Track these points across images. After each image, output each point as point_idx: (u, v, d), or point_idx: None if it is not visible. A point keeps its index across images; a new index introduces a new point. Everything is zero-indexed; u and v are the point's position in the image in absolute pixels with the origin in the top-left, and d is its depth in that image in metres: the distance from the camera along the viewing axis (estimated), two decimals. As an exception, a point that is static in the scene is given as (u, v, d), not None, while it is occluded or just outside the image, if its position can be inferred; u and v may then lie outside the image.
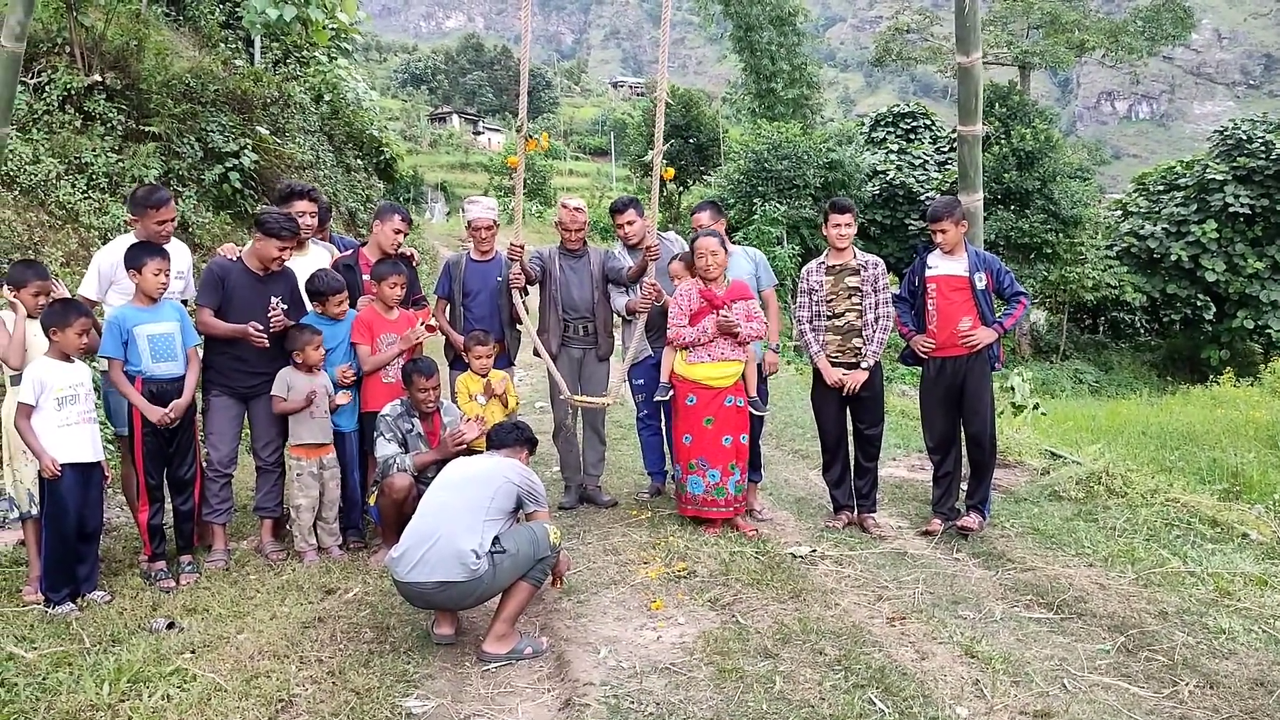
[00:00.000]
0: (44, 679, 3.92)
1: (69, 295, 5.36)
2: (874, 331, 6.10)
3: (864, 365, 6.09)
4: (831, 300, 6.15)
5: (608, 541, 5.88)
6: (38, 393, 4.75)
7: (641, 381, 6.79)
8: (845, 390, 6.09)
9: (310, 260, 6.14)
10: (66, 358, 4.89)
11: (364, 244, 6.51)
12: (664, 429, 6.88)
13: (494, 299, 6.53)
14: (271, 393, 5.56)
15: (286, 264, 5.77)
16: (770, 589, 5.01)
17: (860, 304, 6.11)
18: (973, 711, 3.71)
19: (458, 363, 6.48)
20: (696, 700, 3.78)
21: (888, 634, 4.47)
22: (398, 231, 6.25)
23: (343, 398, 5.69)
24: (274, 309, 5.59)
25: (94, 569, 5.03)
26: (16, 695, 3.76)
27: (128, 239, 5.55)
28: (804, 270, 6.41)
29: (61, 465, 4.74)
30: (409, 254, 6.46)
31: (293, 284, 5.81)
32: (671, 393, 6.12)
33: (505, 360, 6.57)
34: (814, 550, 5.71)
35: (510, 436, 4.91)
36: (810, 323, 6.23)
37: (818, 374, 6.27)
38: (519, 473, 4.53)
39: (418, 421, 5.57)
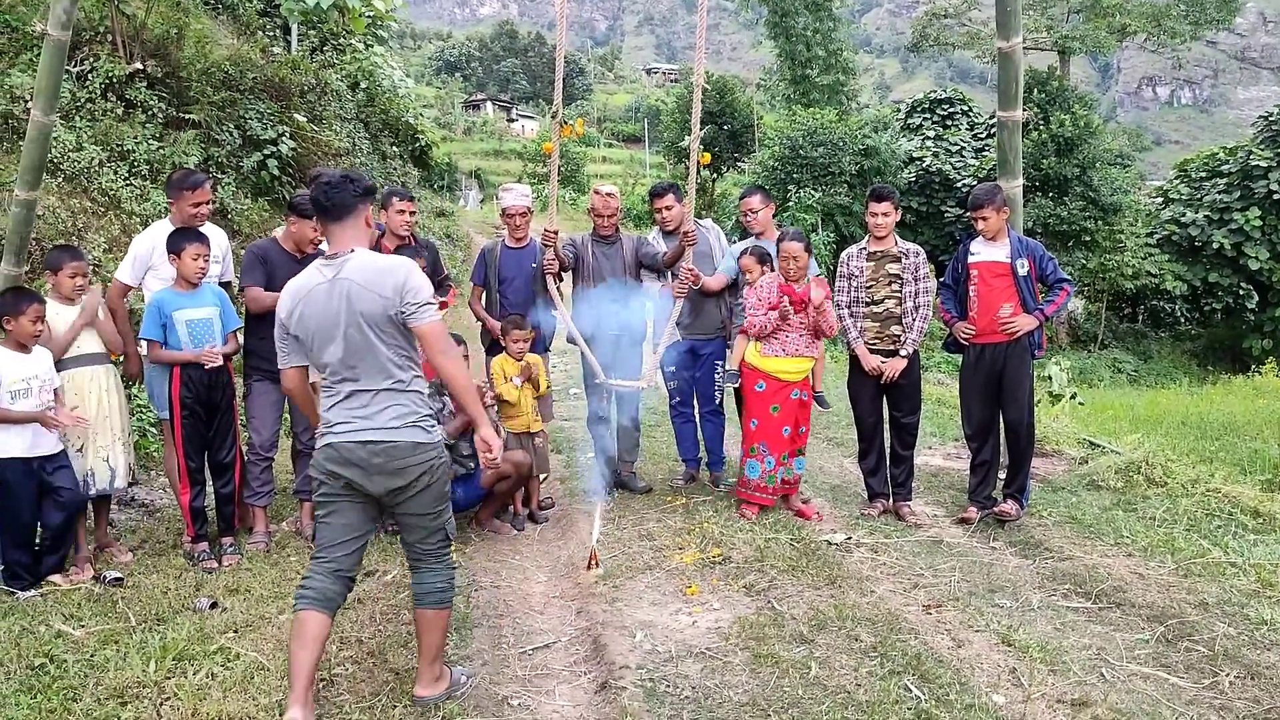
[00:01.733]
0: (92, 656, 4.01)
1: (103, 280, 5.45)
2: (914, 320, 6.08)
3: (903, 353, 6.07)
4: (871, 287, 6.14)
5: (643, 527, 5.90)
6: None
7: (674, 369, 6.80)
8: (883, 378, 6.08)
9: None
10: (22, 348, 4.91)
11: (382, 235, 6.49)
12: (694, 417, 6.95)
13: (529, 285, 6.56)
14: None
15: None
16: (805, 575, 5.01)
17: (900, 291, 6.10)
18: (1010, 699, 3.70)
19: (494, 348, 6.52)
20: (732, 685, 3.80)
21: (924, 621, 4.46)
22: (400, 213, 6.25)
23: None
24: None
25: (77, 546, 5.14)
26: (66, 671, 3.85)
27: (163, 225, 5.64)
28: (844, 255, 6.39)
29: (5, 458, 4.80)
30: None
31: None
32: (739, 380, 6.22)
33: (541, 346, 6.61)
34: (849, 538, 5.70)
35: (345, 194, 3.57)
36: (848, 308, 6.21)
37: (854, 361, 6.25)
38: (394, 289, 3.46)
39: (448, 400, 5.65)
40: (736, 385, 6.27)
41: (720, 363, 6.82)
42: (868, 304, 6.15)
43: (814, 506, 6.27)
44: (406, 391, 3.55)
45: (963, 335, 6.09)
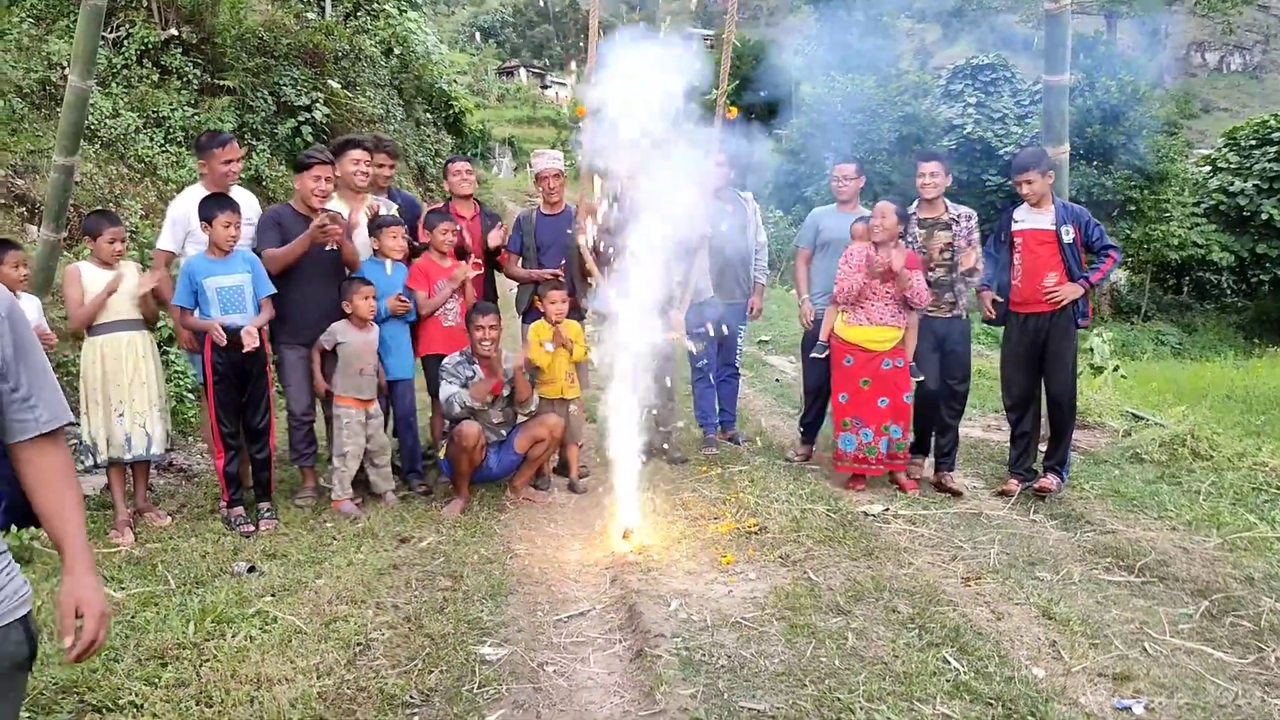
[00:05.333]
0: (132, 617, 4.04)
1: (140, 246, 5.48)
2: (965, 287, 6.07)
3: (960, 306, 6.10)
4: (924, 254, 6.04)
5: (678, 497, 5.87)
6: None
7: (703, 329, 6.79)
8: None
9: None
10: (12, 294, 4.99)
11: (450, 199, 6.69)
12: (714, 382, 7.10)
13: (565, 251, 6.53)
14: (320, 339, 5.67)
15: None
16: (842, 546, 4.96)
17: (952, 259, 6.02)
18: (1050, 672, 3.65)
19: (529, 315, 6.51)
20: (768, 654, 3.77)
21: (962, 593, 4.41)
22: (456, 173, 6.52)
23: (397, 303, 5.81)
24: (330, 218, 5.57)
25: None
26: (107, 633, 3.88)
27: (197, 189, 5.68)
28: None
29: None
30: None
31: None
32: (827, 352, 6.21)
33: (577, 314, 6.58)
34: (887, 509, 5.65)
35: None
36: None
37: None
38: None
39: (478, 369, 5.69)
40: (825, 356, 6.22)
41: (743, 327, 7.16)
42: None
43: (912, 481, 6.19)
44: None
45: (986, 306, 6.04)
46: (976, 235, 6.07)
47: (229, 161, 5.57)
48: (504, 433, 5.89)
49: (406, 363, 6.08)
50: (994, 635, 3.94)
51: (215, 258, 5.28)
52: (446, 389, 5.63)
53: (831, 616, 4.12)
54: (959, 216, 6.08)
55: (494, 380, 5.66)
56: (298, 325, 5.71)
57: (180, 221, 5.59)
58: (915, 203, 6.22)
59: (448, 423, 5.76)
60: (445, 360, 5.78)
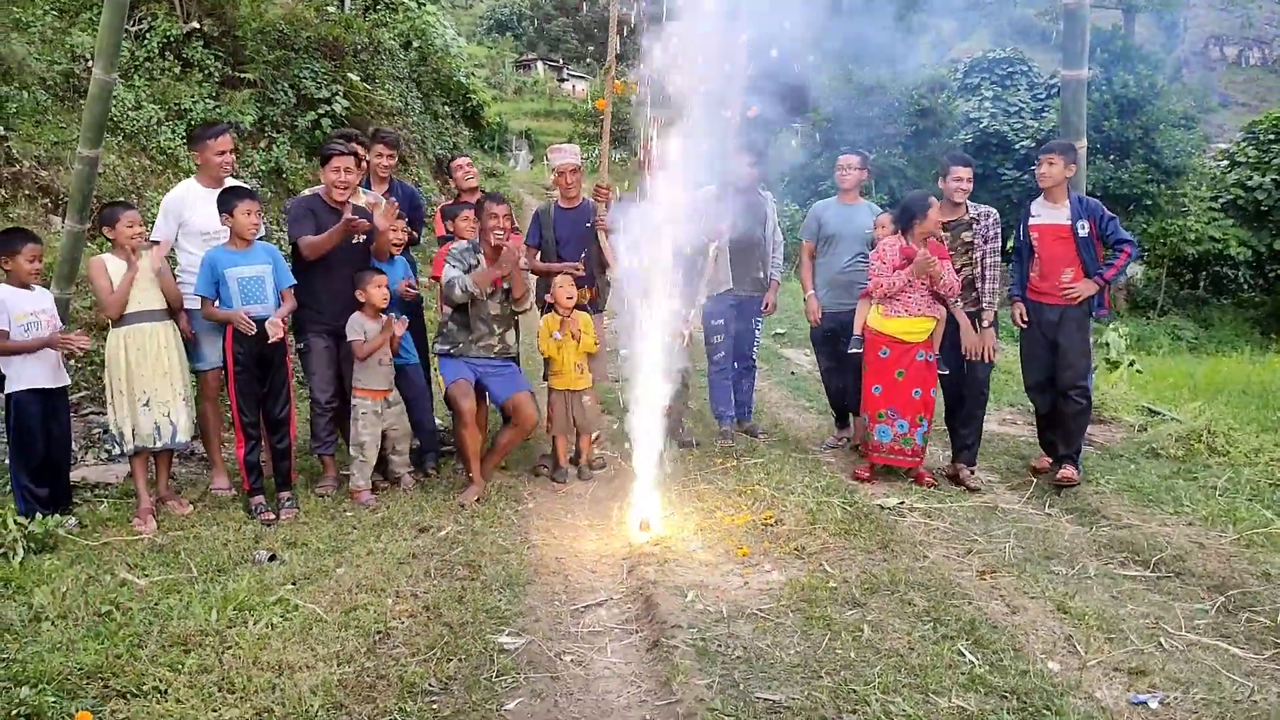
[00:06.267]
0: (156, 604, 4.10)
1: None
2: (985, 283, 6.06)
3: (985, 324, 6.07)
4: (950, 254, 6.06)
5: (694, 488, 5.90)
6: (2, 318, 4.97)
7: (720, 322, 6.80)
8: (981, 355, 6.05)
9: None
10: (25, 285, 5.08)
11: (459, 194, 6.85)
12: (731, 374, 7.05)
13: (584, 244, 6.57)
14: (349, 339, 5.70)
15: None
16: (858, 539, 4.99)
17: (973, 257, 6.04)
18: (1065, 666, 3.67)
19: (548, 307, 6.55)
20: (783, 645, 3.80)
21: (978, 587, 4.43)
22: (459, 167, 6.83)
23: (400, 327, 5.79)
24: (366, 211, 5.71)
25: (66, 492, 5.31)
26: (131, 618, 3.95)
27: (189, 182, 5.81)
28: None
29: (24, 390, 5.01)
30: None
31: (367, 217, 5.93)
32: (863, 345, 6.21)
33: (595, 308, 6.62)
34: (902, 502, 5.66)
35: None
36: None
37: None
38: None
39: (483, 259, 5.81)
40: (860, 350, 6.24)
41: (760, 320, 7.12)
42: None
43: (931, 476, 6.20)
44: None
45: (1017, 316, 6.13)
46: (997, 233, 6.08)
47: (222, 153, 5.67)
48: (498, 329, 5.97)
49: (410, 348, 6.18)
50: (1009, 629, 3.96)
51: (236, 249, 5.34)
52: (450, 272, 5.74)
53: (847, 609, 4.14)
54: (979, 216, 6.11)
55: (496, 272, 5.74)
56: (324, 314, 5.77)
57: (172, 213, 5.68)
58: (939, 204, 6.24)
59: (443, 294, 5.85)
60: (453, 247, 5.91)
